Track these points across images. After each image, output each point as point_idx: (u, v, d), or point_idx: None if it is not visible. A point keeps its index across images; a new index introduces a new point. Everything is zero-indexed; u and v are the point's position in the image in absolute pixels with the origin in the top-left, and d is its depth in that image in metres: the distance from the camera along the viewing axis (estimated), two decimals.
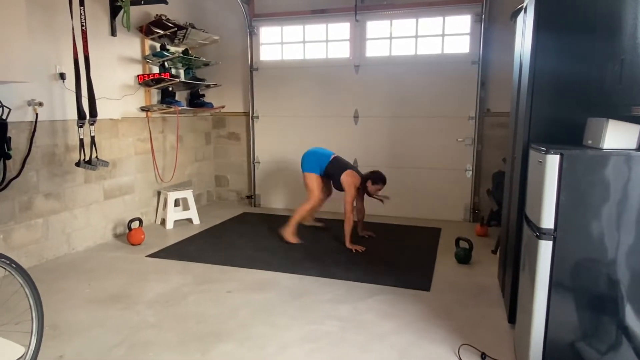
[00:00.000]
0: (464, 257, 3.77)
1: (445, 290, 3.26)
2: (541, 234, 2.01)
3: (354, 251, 4.02)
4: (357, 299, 3.09)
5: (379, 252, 4.08)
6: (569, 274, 2.00)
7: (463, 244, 3.82)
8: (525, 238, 2.36)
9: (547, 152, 1.96)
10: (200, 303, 3.02)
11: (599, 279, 1.97)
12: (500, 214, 3.62)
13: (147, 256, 3.94)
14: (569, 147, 2.03)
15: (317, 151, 4.39)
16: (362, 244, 4.19)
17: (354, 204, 4.22)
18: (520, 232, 2.49)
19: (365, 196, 4.35)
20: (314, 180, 4.26)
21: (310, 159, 4.32)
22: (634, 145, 1.94)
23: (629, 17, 1.86)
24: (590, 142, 2.09)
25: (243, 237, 4.55)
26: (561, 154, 1.93)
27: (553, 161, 1.94)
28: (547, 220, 1.99)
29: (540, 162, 2.03)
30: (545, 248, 2.00)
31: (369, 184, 4.19)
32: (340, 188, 4.21)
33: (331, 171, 4.24)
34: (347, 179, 4.12)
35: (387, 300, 3.08)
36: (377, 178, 4.20)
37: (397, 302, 3.04)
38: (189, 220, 5.10)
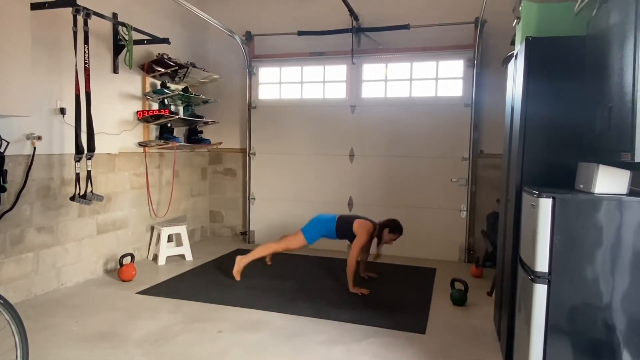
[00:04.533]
0: (459, 299, 3.73)
1: (440, 332, 3.20)
2: (536, 277, 2.01)
3: (359, 294, 3.91)
4: (351, 341, 3.02)
5: (374, 292, 4.03)
6: (565, 318, 1.99)
7: (458, 286, 3.79)
8: (520, 281, 2.36)
9: (539, 196, 1.99)
10: (190, 343, 2.95)
11: (595, 324, 1.96)
12: (495, 256, 3.61)
13: (137, 293, 3.87)
14: (561, 190, 2.07)
15: (321, 218, 4.26)
16: (364, 285, 4.11)
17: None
18: (515, 275, 2.48)
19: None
20: (297, 240, 4.16)
21: (317, 224, 4.21)
22: (624, 191, 1.97)
23: (615, 67, 1.93)
24: (581, 186, 2.13)
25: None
26: (553, 198, 1.96)
27: (546, 205, 1.97)
28: (542, 264, 1.99)
29: (533, 205, 2.06)
30: (540, 291, 2.00)
31: (385, 231, 4.07)
32: (352, 237, 4.07)
33: (342, 229, 4.11)
34: (360, 225, 4.04)
35: (381, 342, 3.02)
36: (396, 227, 4.07)
37: (391, 345, 2.98)
38: (182, 256, 5.04)
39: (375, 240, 4.20)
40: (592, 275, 1.95)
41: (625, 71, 1.79)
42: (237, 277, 4.22)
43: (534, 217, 2.04)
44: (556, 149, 2.44)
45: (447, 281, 4.02)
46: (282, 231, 5.83)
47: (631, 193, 2.00)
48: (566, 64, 2.40)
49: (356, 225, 4.06)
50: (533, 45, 2.44)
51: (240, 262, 4.25)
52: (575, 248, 1.96)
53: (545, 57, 2.43)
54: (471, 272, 4.60)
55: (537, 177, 2.44)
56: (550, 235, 1.97)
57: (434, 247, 5.28)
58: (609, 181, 1.98)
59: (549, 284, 1.99)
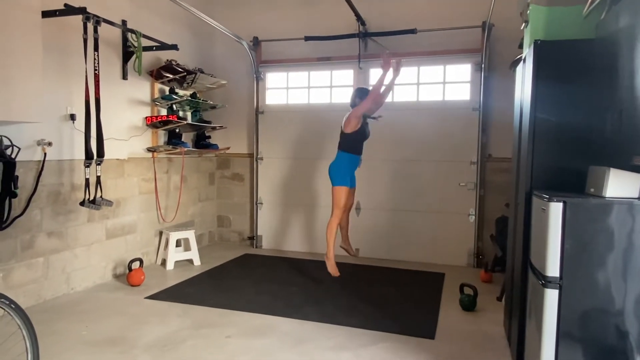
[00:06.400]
0: (468, 304, 3.70)
1: (450, 338, 3.18)
2: (547, 282, 1.99)
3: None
4: (359, 347, 3.01)
5: (382, 297, 4.01)
6: (577, 324, 1.97)
7: (467, 291, 3.76)
8: (530, 286, 2.33)
9: (550, 200, 1.97)
10: (198, 348, 2.95)
11: (607, 330, 1.93)
12: (505, 260, 3.58)
13: (146, 298, 3.88)
14: (572, 194, 2.05)
15: (335, 162, 4.39)
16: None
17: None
18: (526, 280, 2.46)
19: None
20: (341, 194, 4.20)
21: (338, 170, 4.30)
22: (636, 194, 1.95)
23: (625, 70, 1.92)
24: (592, 190, 2.10)
25: (244, 279, 4.49)
26: (564, 202, 1.94)
27: (556, 209, 1.95)
28: (553, 268, 1.97)
29: (544, 209, 2.04)
30: (551, 296, 1.98)
31: (359, 103, 4.24)
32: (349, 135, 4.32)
33: (342, 145, 4.36)
34: (346, 121, 4.28)
35: (390, 348, 3.00)
36: (364, 91, 4.30)
37: (400, 350, 2.96)
38: (190, 261, 5.05)
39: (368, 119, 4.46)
40: (604, 280, 1.92)
41: (636, 74, 1.77)
42: (337, 273, 4.22)
43: (544, 222, 2.02)
44: (566, 153, 2.42)
45: (456, 286, 4.00)
46: (289, 236, 5.84)
47: None
48: (575, 67, 2.39)
49: (345, 123, 4.30)
50: (541, 49, 2.42)
51: (330, 261, 4.22)
52: (586, 252, 1.94)
53: (554, 61, 2.42)
54: (480, 277, 4.56)
55: (546, 181, 2.42)
56: (561, 240, 1.95)
57: (443, 252, 5.24)
58: (620, 185, 1.96)
59: (560, 289, 1.97)
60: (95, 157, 3.78)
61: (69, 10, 3.55)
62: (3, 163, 3.18)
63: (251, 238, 6.05)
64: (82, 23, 3.61)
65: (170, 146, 4.95)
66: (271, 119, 5.88)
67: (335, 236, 4.23)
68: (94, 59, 3.72)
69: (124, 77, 4.46)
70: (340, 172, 4.25)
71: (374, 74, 5.49)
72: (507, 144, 3.93)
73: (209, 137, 5.64)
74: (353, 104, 4.33)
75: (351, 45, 5.37)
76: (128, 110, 4.56)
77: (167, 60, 4.85)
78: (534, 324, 2.18)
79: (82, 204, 3.76)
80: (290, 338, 3.13)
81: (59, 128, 3.78)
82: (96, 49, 3.72)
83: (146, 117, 4.78)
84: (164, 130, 5.00)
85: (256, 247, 5.96)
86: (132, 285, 4.16)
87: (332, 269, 4.19)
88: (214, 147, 5.60)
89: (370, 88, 4.34)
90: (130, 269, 4.20)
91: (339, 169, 4.27)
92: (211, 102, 5.47)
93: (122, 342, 3.01)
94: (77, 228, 4.02)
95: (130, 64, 4.45)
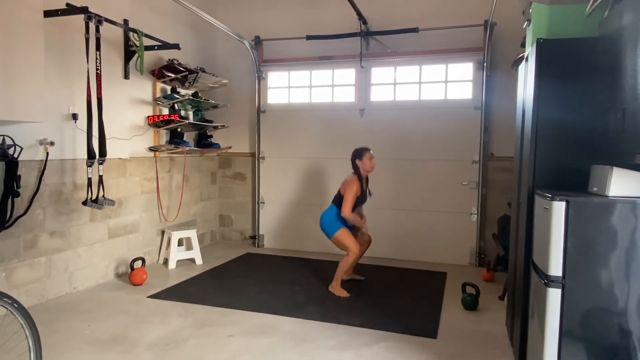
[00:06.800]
0: (470, 303, 3.69)
1: (452, 337, 3.17)
2: (549, 281, 1.98)
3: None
4: (361, 346, 3.01)
5: (384, 296, 4.01)
6: (580, 323, 1.96)
7: (470, 290, 3.76)
8: (533, 285, 2.33)
9: (552, 199, 1.97)
10: (200, 347, 2.95)
11: (610, 329, 1.93)
12: (507, 259, 3.58)
13: (148, 297, 3.89)
14: (575, 194, 2.04)
15: (325, 212, 4.24)
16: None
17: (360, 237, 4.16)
18: (528, 279, 2.45)
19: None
20: (345, 236, 4.03)
21: (328, 220, 4.15)
22: (639, 193, 1.94)
23: (628, 68, 1.91)
24: (595, 189, 2.10)
25: (246, 278, 4.50)
26: (567, 201, 1.94)
27: (559, 208, 1.95)
28: (555, 268, 1.97)
29: (546, 208, 2.03)
30: (554, 296, 1.98)
31: (358, 163, 4.14)
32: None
33: (337, 202, 4.13)
34: (343, 184, 4.14)
35: (392, 347, 2.99)
36: (358, 151, 4.20)
37: (402, 350, 2.95)
38: (192, 260, 5.06)
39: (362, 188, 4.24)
40: (607, 279, 1.92)
41: (639, 73, 1.76)
42: (347, 294, 4.00)
43: (547, 221, 2.02)
44: (568, 152, 2.41)
45: (458, 285, 3.99)
46: (291, 235, 5.84)
47: None
48: (578, 65, 2.38)
49: (342, 187, 4.15)
50: (544, 47, 2.41)
51: (336, 287, 4.06)
52: (589, 251, 1.94)
53: (557, 59, 2.41)
54: (482, 276, 4.56)
55: (549, 180, 2.42)
56: (563, 239, 1.95)
57: (445, 251, 5.24)
58: (623, 184, 1.95)
59: (563, 288, 1.96)
60: (97, 156, 3.78)
61: (70, 10, 3.56)
62: (5, 162, 3.18)
63: (253, 237, 6.05)
64: (84, 22, 3.60)
65: (172, 145, 4.95)
66: (273, 118, 5.87)
67: (345, 273, 4.11)
68: (96, 58, 3.72)
69: (126, 76, 4.47)
70: (331, 220, 4.11)
71: (376, 73, 5.49)
72: (509, 142, 3.92)
73: (211, 136, 5.64)
74: (352, 163, 4.20)
75: (353, 44, 5.37)
76: (130, 109, 4.57)
77: (169, 59, 4.85)
78: (536, 324, 2.18)
79: (84, 203, 3.76)
80: (292, 337, 3.13)
81: (61, 127, 3.79)
82: (98, 48, 3.72)
83: (148, 117, 4.79)
84: (165, 129, 5.00)
85: (258, 247, 5.96)
86: (134, 285, 4.17)
87: (341, 293, 4.02)
88: (215, 146, 5.60)
89: (368, 150, 4.21)
90: (132, 268, 4.21)
91: (330, 218, 4.12)
92: (213, 102, 5.47)
93: (125, 341, 3.02)
94: (80, 227, 4.02)
95: (132, 63, 4.45)
